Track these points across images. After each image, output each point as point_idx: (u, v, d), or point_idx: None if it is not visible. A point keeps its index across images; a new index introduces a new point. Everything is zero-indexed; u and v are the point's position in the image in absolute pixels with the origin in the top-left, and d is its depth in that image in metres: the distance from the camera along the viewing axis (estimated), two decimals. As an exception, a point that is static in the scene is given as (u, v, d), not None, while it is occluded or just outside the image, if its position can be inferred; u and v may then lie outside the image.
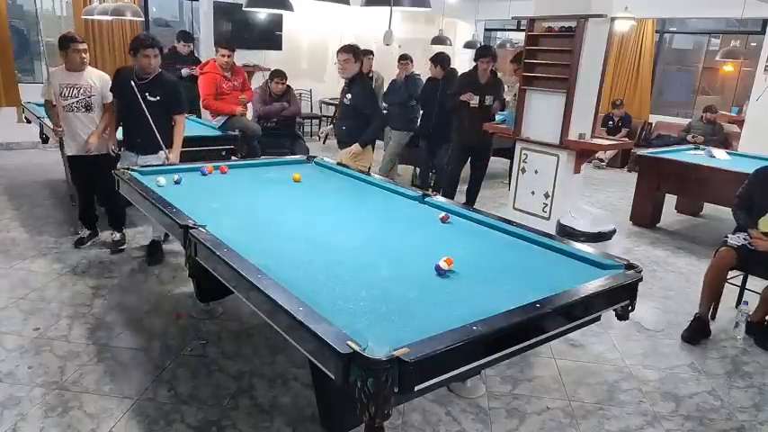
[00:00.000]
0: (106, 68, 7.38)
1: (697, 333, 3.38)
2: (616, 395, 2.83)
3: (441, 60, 5.91)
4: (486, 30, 12.09)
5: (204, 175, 3.57)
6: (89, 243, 4.30)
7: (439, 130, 5.82)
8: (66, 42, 3.95)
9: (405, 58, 6.40)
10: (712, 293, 3.48)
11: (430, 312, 1.89)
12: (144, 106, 3.75)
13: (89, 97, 4.04)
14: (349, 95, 4.35)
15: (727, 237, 3.52)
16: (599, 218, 4.59)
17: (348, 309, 1.89)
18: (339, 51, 4.29)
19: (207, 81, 5.41)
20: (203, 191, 3.26)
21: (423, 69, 6.84)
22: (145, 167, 3.57)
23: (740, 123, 7.85)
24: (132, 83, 3.76)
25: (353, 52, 4.27)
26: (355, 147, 4.31)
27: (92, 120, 4.09)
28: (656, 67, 9.94)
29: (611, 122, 8.89)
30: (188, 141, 4.73)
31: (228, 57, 5.42)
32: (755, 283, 3.57)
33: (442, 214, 2.97)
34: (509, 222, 2.88)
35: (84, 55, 3.99)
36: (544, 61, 4.61)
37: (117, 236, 4.29)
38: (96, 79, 4.10)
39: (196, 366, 2.84)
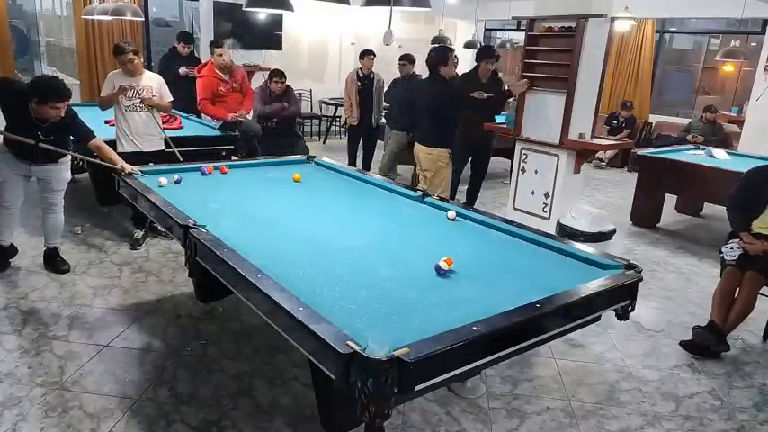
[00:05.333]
0: (106, 69, 7.40)
1: (709, 339, 3.17)
2: (616, 395, 2.83)
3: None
4: (486, 30, 12.09)
5: (204, 175, 3.57)
6: (144, 243, 4.39)
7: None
8: (115, 53, 4.21)
9: (404, 59, 6.38)
10: (724, 303, 3.26)
11: (430, 312, 1.89)
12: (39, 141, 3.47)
13: (151, 97, 4.27)
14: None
15: (722, 251, 3.43)
16: (599, 218, 4.58)
17: (348, 309, 1.89)
18: None
19: (204, 84, 5.37)
20: (203, 191, 3.25)
21: (420, 70, 6.81)
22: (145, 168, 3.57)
23: (740, 123, 7.85)
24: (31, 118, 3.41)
25: None
26: None
27: (151, 118, 4.31)
28: (656, 67, 9.94)
29: (614, 122, 8.89)
30: (188, 141, 4.78)
31: (223, 55, 5.33)
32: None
33: (452, 213, 2.98)
34: (509, 222, 2.88)
35: (129, 66, 4.15)
36: (544, 61, 4.61)
37: (138, 234, 4.39)
38: (153, 81, 4.33)
39: (196, 366, 2.85)
